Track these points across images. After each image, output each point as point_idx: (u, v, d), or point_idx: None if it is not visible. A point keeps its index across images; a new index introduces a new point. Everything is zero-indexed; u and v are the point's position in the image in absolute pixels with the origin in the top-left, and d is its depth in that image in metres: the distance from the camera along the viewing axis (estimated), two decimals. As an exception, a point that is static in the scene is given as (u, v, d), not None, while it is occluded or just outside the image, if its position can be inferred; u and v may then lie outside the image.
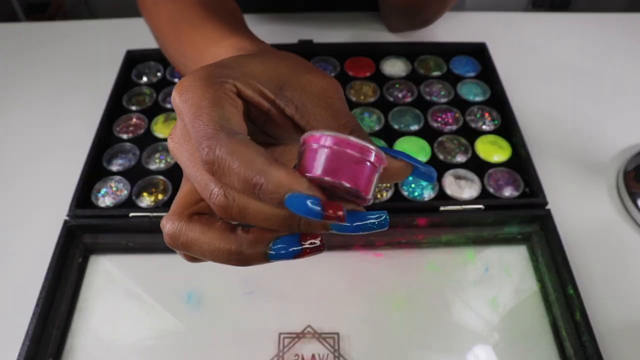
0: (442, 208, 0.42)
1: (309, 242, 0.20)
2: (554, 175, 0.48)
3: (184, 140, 0.21)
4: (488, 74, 0.54)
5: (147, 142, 0.48)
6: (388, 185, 0.44)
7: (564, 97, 0.56)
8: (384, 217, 0.19)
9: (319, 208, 0.17)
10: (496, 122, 0.50)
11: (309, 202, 0.17)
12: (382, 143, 0.48)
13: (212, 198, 0.20)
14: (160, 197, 0.44)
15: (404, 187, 0.44)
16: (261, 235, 0.20)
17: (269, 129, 0.23)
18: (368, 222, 0.19)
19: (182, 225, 0.22)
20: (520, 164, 0.46)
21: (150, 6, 0.43)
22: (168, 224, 0.22)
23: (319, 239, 0.20)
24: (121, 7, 0.48)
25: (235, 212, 0.19)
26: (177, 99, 0.20)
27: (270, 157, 0.18)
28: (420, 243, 0.43)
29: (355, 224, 0.19)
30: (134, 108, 0.52)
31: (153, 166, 0.46)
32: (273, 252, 0.20)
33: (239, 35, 0.32)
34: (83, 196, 0.43)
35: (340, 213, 0.17)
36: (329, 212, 0.17)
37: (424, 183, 0.44)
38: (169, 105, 0.52)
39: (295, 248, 0.19)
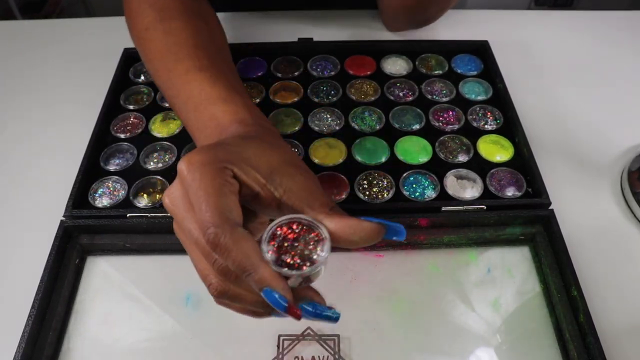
0: (443, 208, 0.42)
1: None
2: (557, 175, 0.47)
3: (184, 207, 0.26)
4: (490, 73, 0.54)
5: (145, 141, 0.48)
6: (389, 185, 0.44)
7: (567, 96, 0.56)
8: (336, 316, 0.26)
9: (284, 305, 0.24)
10: (498, 121, 0.49)
11: (277, 298, 0.24)
12: (383, 143, 0.47)
13: (211, 286, 0.27)
14: (158, 197, 0.43)
15: (405, 187, 0.44)
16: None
17: (253, 205, 0.28)
18: (323, 313, 0.26)
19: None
20: (523, 163, 0.45)
21: (141, 31, 0.42)
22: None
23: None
24: (118, 5, 0.48)
25: (230, 295, 0.27)
26: (185, 172, 0.26)
27: (260, 254, 0.25)
28: (422, 244, 0.42)
29: (312, 313, 0.26)
30: (131, 107, 0.51)
31: (151, 166, 0.46)
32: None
33: (237, 103, 0.35)
34: (80, 196, 0.43)
35: (298, 313, 0.25)
36: (290, 311, 0.25)
37: (426, 183, 0.44)
38: (166, 105, 0.51)
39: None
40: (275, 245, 0.26)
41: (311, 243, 0.26)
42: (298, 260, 0.25)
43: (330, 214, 0.26)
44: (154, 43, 0.41)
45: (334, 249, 0.26)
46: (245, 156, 0.27)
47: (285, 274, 0.25)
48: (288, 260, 0.25)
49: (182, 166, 0.26)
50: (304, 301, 0.26)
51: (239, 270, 0.24)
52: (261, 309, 0.27)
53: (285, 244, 0.26)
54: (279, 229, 0.26)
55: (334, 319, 0.26)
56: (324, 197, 0.28)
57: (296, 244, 0.26)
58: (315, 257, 0.26)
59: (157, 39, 0.40)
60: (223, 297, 0.27)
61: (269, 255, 0.25)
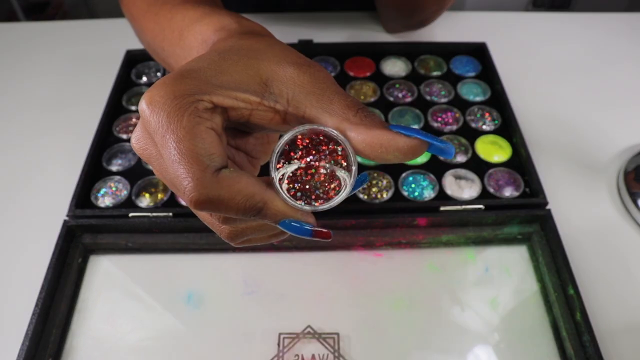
0: (442, 208, 0.42)
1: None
2: (554, 176, 0.48)
3: (157, 155, 0.21)
4: (488, 74, 0.54)
5: (147, 142, 0.48)
6: (387, 184, 0.44)
7: (565, 96, 0.56)
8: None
9: (310, 230, 0.22)
10: (496, 122, 0.50)
11: (299, 227, 0.21)
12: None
13: (223, 234, 0.23)
14: (160, 197, 0.44)
15: (404, 187, 0.44)
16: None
17: (249, 126, 0.23)
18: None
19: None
20: (521, 164, 0.46)
21: None
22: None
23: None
24: (120, 7, 0.48)
25: (245, 235, 0.23)
26: (147, 113, 0.20)
27: (262, 188, 0.21)
28: (420, 243, 0.42)
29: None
30: (133, 108, 0.52)
31: (153, 166, 0.46)
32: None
33: (222, 13, 0.30)
34: (83, 196, 0.43)
35: (329, 234, 0.22)
36: (319, 235, 0.22)
37: (424, 183, 0.44)
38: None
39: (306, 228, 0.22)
40: (287, 171, 0.21)
41: (328, 166, 0.21)
42: (314, 190, 0.21)
43: (355, 123, 0.21)
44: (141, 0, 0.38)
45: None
46: (223, 80, 0.22)
47: (298, 209, 0.21)
48: (301, 188, 0.21)
49: (142, 106, 0.21)
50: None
51: (243, 215, 0.21)
52: (282, 235, 0.24)
53: (298, 169, 0.21)
54: (287, 145, 0.21)
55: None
56: (345, 97, 0.22)
57: (310, 169, 0.21)
58: (333, 186, 0.21)
59: None
60: (237, 240, 0.24)
61: (280, 185, 0.21)
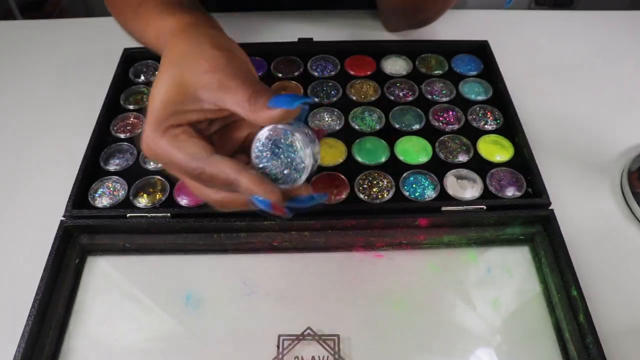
0: (443, 208, 0.42)
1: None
2: (557, 175, 0.47)
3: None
4: (490, 73, 0.54)
5: (145, 141, 0.48)
6: (389, 185, 0.44)
7: (567, 95, 0.56)
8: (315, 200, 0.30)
9: (266, 206, 0.29)
10: (498, 121, 0.49)
11: (259, 201, 0.28)
12: (383, 142, 0.47)
13: (212, 202, 0.31)
14: (157, 197, 0.43)
15: (405, 187, 0.44)
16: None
17: (226, 120, 0.31)
18: (305, 202, 0.30)
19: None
20: (523, 163, 0.45)
21: None
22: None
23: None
24: (118, 5, 0.47)
25: (227, 204, 0.31)
26: (148, 153, 0.30)
27: (236, 168, 0.28)
28: (422, 244, 0.42)
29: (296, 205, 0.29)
30: (131, 107, 0.51)
31: (151, 166, 0.46)
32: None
33: (171, 12, 0.35)
34: (80, 196, 0.43)
35: (283, 210, 0.29)
36: (274, 210, 0.29)
37: (426, 183, 0.44)
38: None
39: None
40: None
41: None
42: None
43: (251, 110, 0.28)
44: None
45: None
46: (171, 106, 0.29)
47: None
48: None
49: (144, 151, 0.30)
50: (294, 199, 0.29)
51: (227, 186, 0.28)
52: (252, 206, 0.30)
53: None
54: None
55: (316, 200, 0.30)
56: (244, 88, 0.28)
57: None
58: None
59: None
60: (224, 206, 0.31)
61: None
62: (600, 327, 0.37)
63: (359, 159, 0.46)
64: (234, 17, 0.65)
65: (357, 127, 0.49)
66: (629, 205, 0.45)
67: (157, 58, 0.56)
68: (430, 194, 0.43)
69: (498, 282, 0.40)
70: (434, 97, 0.52)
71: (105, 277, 0.41)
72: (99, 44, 0.62)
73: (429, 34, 0.62)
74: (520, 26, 0.64)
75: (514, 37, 0.62)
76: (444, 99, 0.51)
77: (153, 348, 0.37)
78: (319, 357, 0.36)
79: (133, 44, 0.56)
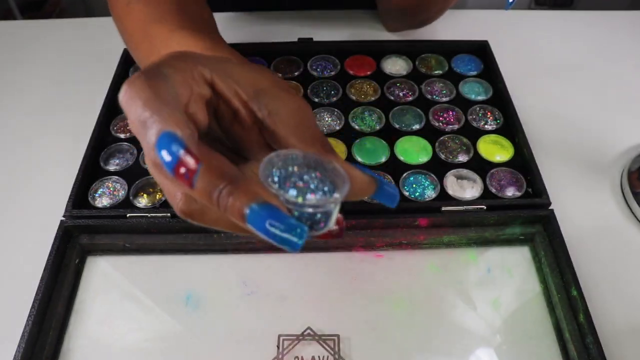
0: (443, 208, 0.42)
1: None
2: (557, 175, 0.47)
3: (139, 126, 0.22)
4: (490, 73, 0.54)
5: (145, 141, 0.48)
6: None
7: (567, 95, 0.56)
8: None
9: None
10: (498, 121, 0.49)
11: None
12: (383, 143, 0.47)
13: (177, 205, 0.24)
14: (158, 197, 0.43)
15: (405, 187, 0.44)
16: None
17: (233, 131, 0.25)
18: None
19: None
20: (523, 163, 0.45)
21: (122, 7, 0.42)
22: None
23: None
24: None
25: (196, 215, 0.24)
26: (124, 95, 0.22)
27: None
28: (422, 244, 0.42)
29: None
30: (131, 107, 0.51)
31: (151, 166, 0.46)
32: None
33: (219, 43, 0.33)
34: (80, 196, 0.43)
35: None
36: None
37: (426, 183, 0.44)
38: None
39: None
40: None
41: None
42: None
43: (325, 154, 0.23)
44: (136, 15, 0.39)
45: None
46: (227, 68, 0.23)
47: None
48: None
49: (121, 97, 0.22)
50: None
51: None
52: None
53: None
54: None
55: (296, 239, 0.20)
56: (319, 133, 0.24)
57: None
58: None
59: (140, 10, 0.39)
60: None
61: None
62: (600, 327, 0.37)
63: (359, 159, 0.46)
64: (234, 17, 0.65)
65: (357, 127, 0.49)
66: (629, 205, 0.45)
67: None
68: (430, 194, 0.43)
69: (498, 282, 0.40)
70: (434, 97, 0.52)
71: (105, 277, 0.41)
72: (99, 44, 0.62)
73: (429, 34, 0.62)
74: (520, 26, 0.64)
75: (514, 37, 0.62)
76: (444, 99, 0.51)
77: (153, 348, 0.37)
78: (319, 357, 0.36)
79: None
